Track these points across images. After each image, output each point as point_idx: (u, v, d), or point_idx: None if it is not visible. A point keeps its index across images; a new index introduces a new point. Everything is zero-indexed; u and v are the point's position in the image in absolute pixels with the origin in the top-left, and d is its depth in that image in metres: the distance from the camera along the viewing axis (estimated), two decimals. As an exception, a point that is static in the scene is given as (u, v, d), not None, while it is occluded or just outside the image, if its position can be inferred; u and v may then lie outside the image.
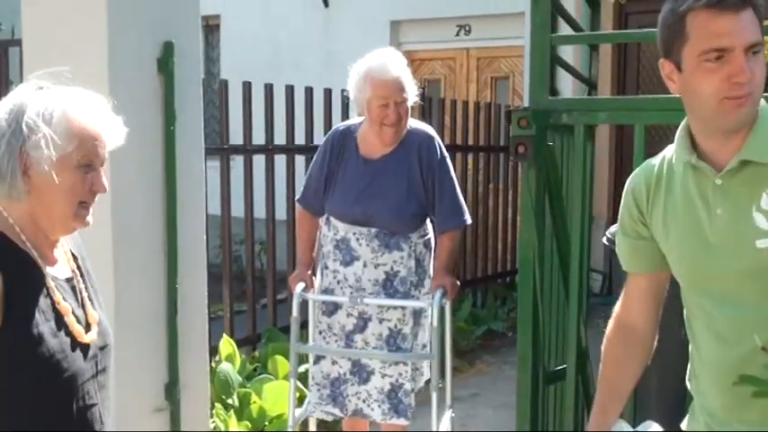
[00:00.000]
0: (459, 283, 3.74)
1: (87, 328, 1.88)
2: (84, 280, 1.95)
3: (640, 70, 8.43)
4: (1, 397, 1.75)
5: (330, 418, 3.88)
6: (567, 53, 7.67)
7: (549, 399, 3.40)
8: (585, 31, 4.10)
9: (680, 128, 1.92)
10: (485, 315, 7.04)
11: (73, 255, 1.96)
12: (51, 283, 1.82)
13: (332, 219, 3.75)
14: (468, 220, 3.78)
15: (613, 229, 3.65)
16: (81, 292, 1.92)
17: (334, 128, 3.90)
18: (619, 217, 2.10)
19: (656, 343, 2.14)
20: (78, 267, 1.96)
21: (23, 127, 1.74)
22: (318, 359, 3.78)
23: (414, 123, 3.76)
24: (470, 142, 7.72)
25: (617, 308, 2.16)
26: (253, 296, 5.87)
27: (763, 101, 1.84)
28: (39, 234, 1.83)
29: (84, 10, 3.24)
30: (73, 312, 1.84)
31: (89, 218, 1.86)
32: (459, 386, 5.74)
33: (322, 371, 3.76)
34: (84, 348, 1.85)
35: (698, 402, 2.03)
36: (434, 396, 3.52)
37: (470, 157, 7.74)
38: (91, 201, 1.86)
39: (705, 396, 1.98)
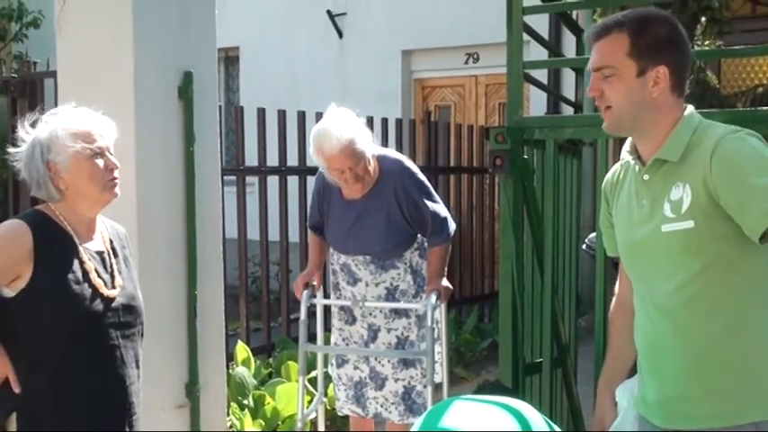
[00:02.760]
0: (452, 287, 3.99)
1: (113, 288, 2.48)
2: (116, 258, 2.56)
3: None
4: (31, 329, 2.35)
5: (355, 415, 4.18)
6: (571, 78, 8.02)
7: (534, 389, 3.69)
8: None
9: None
10: (490, 329, 7.31)
11: (110, 240, 2.58)
12: (82, 250, 2.45)
13: None
14: (452, 230, 3.97)
15: (592, 236, 3.98)
16: (112, 265, 2.53)
17: (320, 169, 3.97)
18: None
19: None
20: (113, 249, 2.57)
21: (41, 148, 2.42)
22: (342, 363, 4.11)
23: (387, 155, 3.97)
24: (475, 164, 8.05)
25: (616, 288, 2.48)
26: (267, 312, 6.20)
27: (692, 109, 2.18)
28: (75, 220, 2.47)
29: (112, 44, 3.59)
30: (96, 271, 2.45)
31: (116, 189, 2.49)
32: (465, 392, 6.03)
33: (346, 374, 4.09)
34: (106, 299, 2.45)
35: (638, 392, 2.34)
36: (429, 390, 3.81)
37: (476, 179, 8.07)
38: (112, 177, 2.47)
39: (643, 382, 2.30)
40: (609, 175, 2.38)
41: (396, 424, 4.01)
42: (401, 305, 3.92)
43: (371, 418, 4.15)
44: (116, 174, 2.48)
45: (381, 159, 3.91)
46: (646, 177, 2.16)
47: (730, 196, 1.98)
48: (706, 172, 2.01)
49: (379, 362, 4.01)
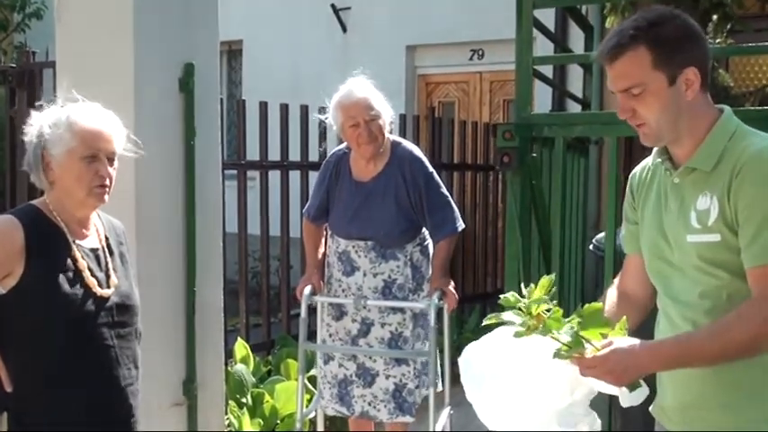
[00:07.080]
0: (453, 283, 3.91)
1: (107, 287, 2.41)
2: (111, 255, 2.48)
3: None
4: (23, 327, 2.30)
5: (339, 415, 4.12)
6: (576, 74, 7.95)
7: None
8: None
9: None
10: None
11: (106, 237, 2.51)
12: (75, 248, 2.38)
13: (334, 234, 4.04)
14: (460, 227, 3.94)
15: (600, 236, 3.92)
16: (107, 263, 2.45)
17: (333, 151, 4.13)
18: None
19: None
20: (108, 246, 2.49)
21: (43, 134, 2.36)
22: (327, 360, 4.04)
23: (402, 144, 3.99)
24: (479, 161, 7.98)
25: (616, 281, 2.37)
26: (267, 308, 6.14)
27: (729, 111, 2.08)
28: (67, 213, 2.40)
29: (112, 34, 3.53)
30: (90, 270, 2.37)
31: (105, 197, 2.40)
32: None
33: (331, 371, 4.01)
34: (99, 299, 2.38)
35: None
36: (431, 392, 3.75)
37: (480, 176, 8.00)
38: (102, 183, 2.37)
39: (660, 386, 2.22)
40: (637, 170, 2.28)
41: (397, 422, 3.94)
42: (403, 304, 3.86)
43: (370, 419, 4.08)
44: (107, 182, 2.38)
45: (395, 144, 3.96)
46: (676, 181, 2.08)
47: (743, 217, 1.92)
48: (731, 186, 1.94)
49: (370, 357, 3.94)
